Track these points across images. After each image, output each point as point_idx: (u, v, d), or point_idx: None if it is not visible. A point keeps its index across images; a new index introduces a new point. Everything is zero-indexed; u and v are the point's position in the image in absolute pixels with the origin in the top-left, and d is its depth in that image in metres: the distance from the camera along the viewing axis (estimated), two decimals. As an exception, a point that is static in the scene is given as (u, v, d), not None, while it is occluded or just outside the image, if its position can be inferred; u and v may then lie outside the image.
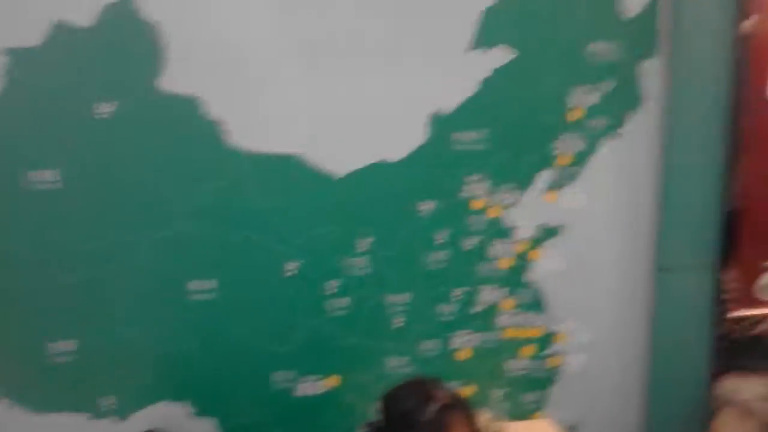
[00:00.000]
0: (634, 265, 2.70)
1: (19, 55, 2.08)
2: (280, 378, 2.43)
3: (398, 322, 2.49)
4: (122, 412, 2.32)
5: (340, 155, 2.37)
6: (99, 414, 2.31)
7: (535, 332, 2.64)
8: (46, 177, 2.14)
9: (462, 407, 1.76)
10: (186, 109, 2.21)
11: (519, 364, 2.66)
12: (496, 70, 2.45)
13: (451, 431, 1.72)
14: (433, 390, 1.76)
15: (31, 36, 2.08)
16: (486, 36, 2.42)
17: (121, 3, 2.11)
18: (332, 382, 2.47)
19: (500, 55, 2.45)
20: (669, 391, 2.74)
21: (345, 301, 2.43)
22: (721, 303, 2.75)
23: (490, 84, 2.45)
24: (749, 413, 1.75)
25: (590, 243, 2.64)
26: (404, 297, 2.49)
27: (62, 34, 2.10)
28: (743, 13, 2.58)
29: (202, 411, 2.38)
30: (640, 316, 2.74)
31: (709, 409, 1.96)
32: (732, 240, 2.69)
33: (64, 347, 2.24)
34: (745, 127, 2.66)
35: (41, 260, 2.19)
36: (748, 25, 2.55)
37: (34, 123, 2.11)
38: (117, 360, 2.28)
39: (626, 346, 2.75)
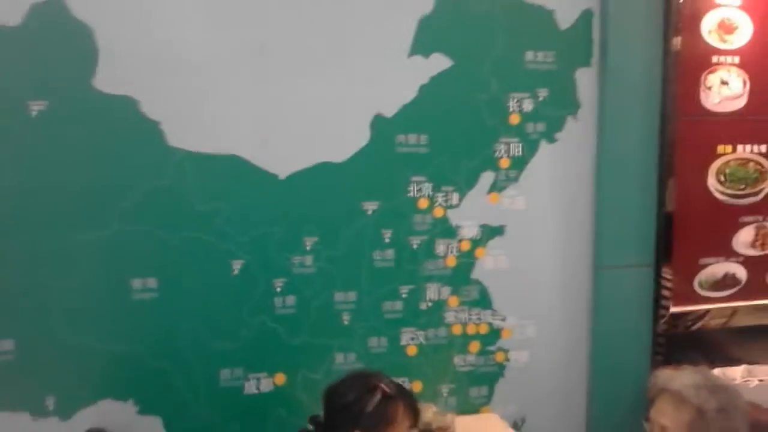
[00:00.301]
0: (574, 264, 2.26)
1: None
2: (227, 376, 1.95)
3: (346, 319, 1.99)
4: (65, 412, 1.84)
5: (284, 156, 1.94)
6: (41, 413, 1.83)
7: (481, 328, 2.15)
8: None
9: (404, 398, 1.41)
10: (122, 108, 1.75)
11: (466, 360, 2.17)
12: (433, 78, 2.03)
13: (394, 421, 1.38)
14: (374, 382, 1.41)
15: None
16: (423, 44, 2.02)
17: (51, 2, 1.63)
18: (280, 379, 1.96)
19: (437, 63, 2.03)
20: (610, 384, 2.29)
21: (291, 299, 1.97)
22: (660, 300, 2.30)
23: (428, 90, 2.04)
24: (683, 400, 1.47)
25: (532, 242, 2.20)
26: (351, 295, 2.02)
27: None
28: (673, 25, 2.21)
29: (147, 409, 1.91)
30: (582, 313, 2.29)
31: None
32: (670, 239, 2.27)
33: (2, 347, 1.74)
34: (677, 133, 2.24)
35: None
36: (676, 41, 2.19)
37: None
38: (57, 359, 1.82)
39: (569, 342, 2.29)
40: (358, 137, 1.98)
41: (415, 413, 1.42)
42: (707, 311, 2.35)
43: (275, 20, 1.89)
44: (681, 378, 1.51)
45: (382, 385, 1.39)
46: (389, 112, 2.00)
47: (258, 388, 1.97)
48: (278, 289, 1.96)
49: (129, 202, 1.80)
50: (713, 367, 2.25)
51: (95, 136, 1.76)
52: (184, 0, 1.81)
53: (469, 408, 2.19)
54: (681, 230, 2.28)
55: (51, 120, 1.72)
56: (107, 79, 1.75)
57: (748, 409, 1.51)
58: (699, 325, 2.33)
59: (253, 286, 1.94)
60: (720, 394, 1.46)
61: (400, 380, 2.02)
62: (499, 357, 2.21)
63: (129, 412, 1.87)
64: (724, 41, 2.28)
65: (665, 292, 2.29)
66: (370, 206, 2.01)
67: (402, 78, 2.00)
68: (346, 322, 2.03)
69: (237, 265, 1.91)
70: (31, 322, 1.78)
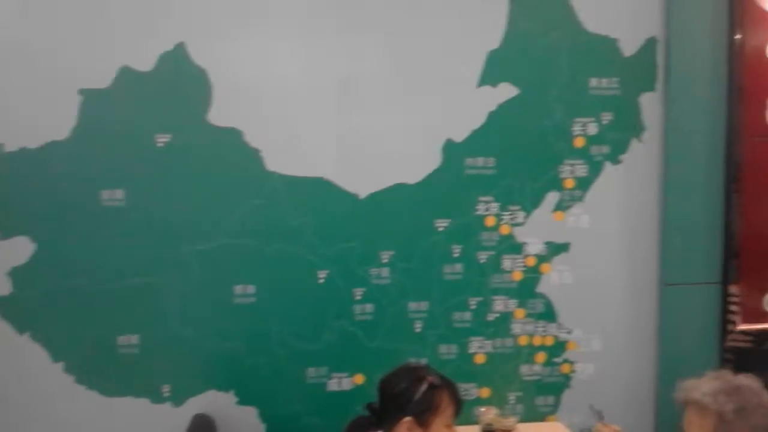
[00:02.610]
0: (640, 280, 2.55)
1: (91, 95, 2.17)
2: (313, 373, 2.39)
3: (418, 327, 2.38)
4: (177, 399, 2.32)
5: (363, 177, 2.37)
6: (158, 399, 2.32)
7: (547, 340, 2.48)
8: (116, 196, 2.16)
9: (449, 388, 1.69)
10: (230, 138, 2.24)
11: (532, 370, 2.50)
12: (501, 105, 2.41)
13: (439, 408, 1.65)
14: (422, 373, 1.69)
15: (102, 78, 2.18)
16: (491, 75, 2.40)
17: (175, 51, 2.17)
18: (359, 379, 2.39)
19: (505, 91, 2.41)
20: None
21: (369, 307, 2.38)
22: (727, 317, 2.52)
23: (495, 116, 2.41)
24: (704, 408, 1.63)
25: (596, 259, 2.52)
26: (423, 305, 2.41)
27: (126, 77, 2.20)
28: (737, 50, 2.46)
29: (245, 400, 2.36)
30: (649, 328, 2.57)
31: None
32: (738, 258, 2.50)
33: (129, 341, 2.27)
34: (743, 153, 2.46)
35: (110, 266, 2.25)
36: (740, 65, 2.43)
37: (104, 150, 2.18)
38: (172, 353, 2.31)
39: (636, 356, 2.57)
40: (431, 160, 2.38)
41: (458, 403, 1.68)
42: None
43: (357, 57, 2.33)
44: (701, 387, 1.67)
45: (429, 376, 1.66)
46: (459, 137, 2.39)
47: (340, 386, 2.39)
48: (358, 298, 2.38)
49: (233, 219, 2.28)
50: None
51: (208, 163, 2.26)
52: (280, 42, 2.29)
53: (536, 416, 2.52)
54: (749, 249, 2.51)
55: (173, 150, 2.24)
56: (218, 114, 2.25)
57: None
58: None
59: (335, 294, 2.37)
60: (737, 396, 1.61)
61: (468, 386, 2.42)
62: (565, 368, 2.53)
63: (230, 402, 2.34)
64: None
65: (733, 308, 2.53)
66: (441, 224, 2.41)
67: (471, 106, 2.39)
68: (418, 330, 2.42)
69: (322, 275, 2.35)
70: (152, 320, 2.27)
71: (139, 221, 2.24)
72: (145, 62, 2.21)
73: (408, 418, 1.62)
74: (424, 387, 1.63)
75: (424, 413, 1.62)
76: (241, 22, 2.26)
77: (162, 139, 2.22)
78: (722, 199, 2.50)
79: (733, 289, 2.52)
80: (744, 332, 2.53)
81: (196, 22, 2.22)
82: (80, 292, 2.22)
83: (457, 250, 2.42)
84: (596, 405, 2.40)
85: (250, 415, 2.35)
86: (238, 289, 2.30)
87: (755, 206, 2.51)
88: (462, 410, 1.72)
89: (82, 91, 2.18)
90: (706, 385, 1.65)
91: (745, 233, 2.50)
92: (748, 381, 1.68)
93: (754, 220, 2.51)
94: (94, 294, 2.23)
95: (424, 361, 2.39)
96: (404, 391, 1.64)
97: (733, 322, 2.52)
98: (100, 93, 2.19)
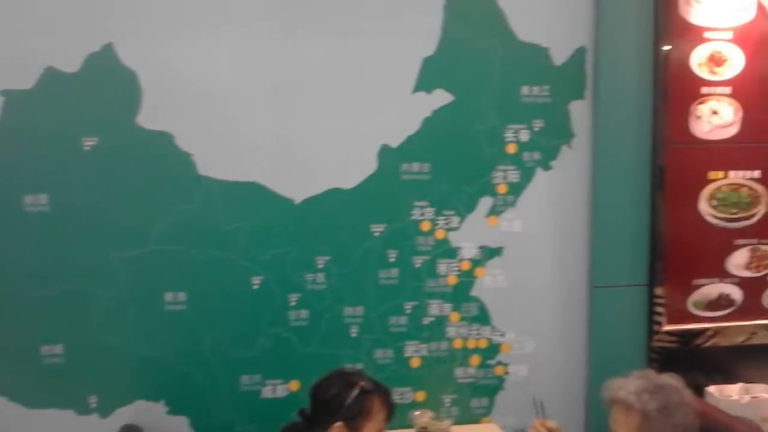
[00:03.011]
0: (570, 283, 2.64)
1: (14, 96, 2.11)
2: (247, 381, 2.38)
3: (354, 332, 2.41)
4: (104, 410, 2.28)
5: (298, 182, 2.37)
6: (84, 411, 2.27)
7: (481, 343, 2.54)
8: (40, 201, 2.11)
9: (380, 393, 1.72)
10: (160, 142, 2.22)
11: (466, 373, 2.55)
12: (435, 111, 2.45)
13: (370, 413, 1.68)
14: (354, 378, 1.73)
15: (25, 79, 2.13)
16: (426, 81, 2.44)
17: (102, 51, 2.14)
18: (293, 386, 2.40)
19: (439, 98, 2.46)
20: None
21: (305, 312, 2.39)
22: (654, 318, 2.63)
23: (430, 122, 2.45)
24: (629, 407, 1.72)
25: (529, 263, 2.59)
26: (359, 309, 2.44)
27: (51, 77, 2.15)
28: (662, 60, 2.57)
29: (176, 410, 2.34)
30: (579, 329, 2.65)
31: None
32: (664, 260, 2.61)
33: (53, 350, 2.23)
34: (667, 160, 2.60)
35: (33, 273, 2.19)
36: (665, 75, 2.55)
37: (28, 154, 2.13)
38: (99, 363, 2.26)
39: (567, 357, 2.66)
40: (366, 166, 2.41)
41: (390, 408, 1.71)
42: (705, 330, 2.66)
43: (292, 61, 2.33)
44: (626, 386, 1.77)
45: (361, 381, 1.69)
46: (395, 142, 2.42)
47: (274, 393, 2.39)
48: (293, 303, 2.39)
49: (164, 224, 2.25)
50: (710, 384, 2.62)
51: (137, 167, 2.23)
52: (212, 45, 2.27)
53: (471, 418, 2.57)
54: (673, 252, 2.62)
55: (101, 153, 2.19)
56: (148, 117, 2.22)
57: (694, 403, 1.79)
58: (696, 343, 2.65)
59: (270, 300, 2.36)
60: (660, 395, 1.72)
61: (403, 390, 2.45)
62: (499, 370, 2.59)
63: (160, 412, 2.30)
64: (715, 73, 2.62)
65: (659, 309, 2.64)
66: (377, 229, 2.44)
67: (407, 112, 2.42)
68: (353, 335, 2.44)
69: (256, 281, 2.35)
70: (77, 329, 2.22)
71: (65, 227, 2.19)
72: (70, 63, 2.16)
73: (339, 423, 1.64)
74: (355, 392, 1.66)
75: (355, 418, 1.64)
76: (172, 22, 2.23)
77: (89, 143, 2.18)
78: (648, 204, 2.60)
79: (659, 290, 2.62)
80: (669, 333, 2.63)
81: (124, 22, 2.19)
82: (1, 300, 2.16)
83: (392, 255, 2.45)
84: (528, 405, 2.46)
85: (181, 425, 2.32)
86: (169, 296, 2.28)
87: (679, 210, 2.61)
88: (394, 415, 1.75)
89: (4, 92, 2.12)
90: (631, 385, 1.74)
91: (670, 236, 2.61)
92: (671, 380, 1.77)
93: (678, 223, 2.61)
94: (16, 302, 2.18)
95: (359, 366, 2.40)
96: (336, 396, 1.67)
97: (659, 323, 2.63)
98: (23, 94, 2.13)
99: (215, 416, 2.35)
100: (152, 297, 2.27)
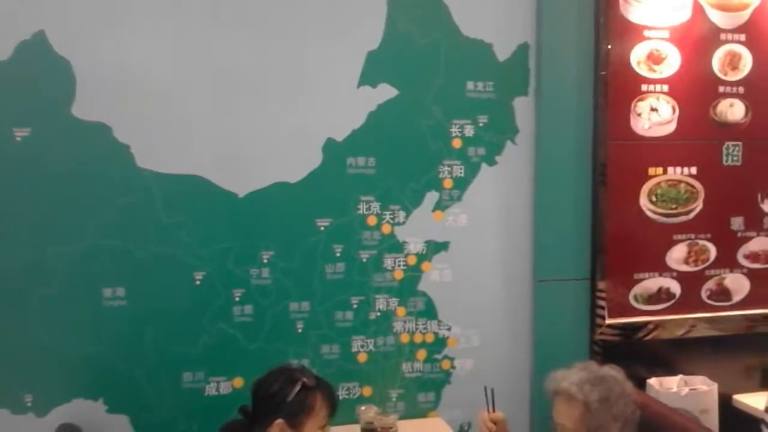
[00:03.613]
0: (515, 277, 2.65)
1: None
2: (189, 378, 2.33)
3: (299, 327, 2.39)
4: (41, 408, 2.20)
5: (242, 176, 2.33)
6: (20, 410, 2.19)
7: (427, 337, 2.55)
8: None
9: (323, 389, 1.69)
10: (96, 134, 2.17)
11: (413, 367, 2.56)
12: (380, 105, 2.44)
13: (312, 410, 1.65)
14: (296, 374, 1.69)
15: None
16: (370, 75, 2.43)
17: (33, 39, 2.08)
18: (238, 383, 2.36)
19: (384, 92, 2.45)
20: None
21: (249, 308, 2.36)
22: (596, 311, 2.66)
23: (376, 116, 2.44)
24: (572, 397, 1.74)
25: (474, 257, 2.59)
26: (305, 305, 2.41)
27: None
28: (603, 57, 2.61)
29: (115, 408, 2.27)
30: (524, 323, 2.68)
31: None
32: (606, 254, 2.65)
33: None
34: (608, 156, 2.62)
35: None
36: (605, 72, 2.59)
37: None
38: (34, 360, 2.18)
39: (512, 350, 2.67)
40: (311, 159, 2.39)
41: (332, 404, 1.67)
42: (646, 323, 2.72)
43: (234, 51, 2.29)
44: (569, 377, 1.79)
45: (303, 378, 1.66)
46: (340, 136, 2.41)
47: (218, 390, 2.34)
48: (237, 299, 2.35)
49: (101, 218, 2.19)
50: (651, 376, 2.68)
51: (72, 159, 2.16)
52: (152, 35, 2.22)
53: (418, 412, 2.57)
54: (615, 247, 2.66)
55: (33, 144, 2.12)
56: (83, 108, 2.15)
57: (635, 395, 1.82)
58: (638, 336, 2.70)
59: (213, 296, 2.32)
60: (601, 386, 1.74)
61: (350, 385, 2.45)
62: (445, 364, 2.60)
63: (99, 411, 2.24)
64: (653, 71, 2.68)
65: (601, 303, 2.69)
66: (323, 223, 2.42)
67: (351, 105, 2.41)
68: (300, 330, 2.41)
69: (199, 276, 2.30)
70: (11, 325, 2.14)
71: None
72: (1, 51, 2.08)
73: (280, 420, 1.61)
74: (297, 388, 1.63)
75: (297, 415, 1.61)
76: (108, 9, 2.17)
77: (20, 133, 2.11)
78: (590, 199, 2.64)
79: (602, 284, 2.66)
80: (611, 326, 2.68)
81: (57, 9, 2.12)
82: None
83: (338, 250, 2.44)
84: (474, 399, 2.48)
85: (121, 423, 2.26)
86: (107, 292, 2.22)
87: (620, 205, 2.65)
88: (337, 411, 1.71)
89: None
90: (573, 376, 1.76)
91: (611, 231, 2.65)
92: (612, 371, 1.80)
93: (619, 218, 2.65)
94: None
95: (305, 361, 2.39)
96: (277, 393, 1.64)
97: (602, 317, 2.67)
98: None
99: (156, 414, 2.29)
100: (90, 293, 2.21)
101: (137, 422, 2.28)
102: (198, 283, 2.29)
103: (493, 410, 2.03)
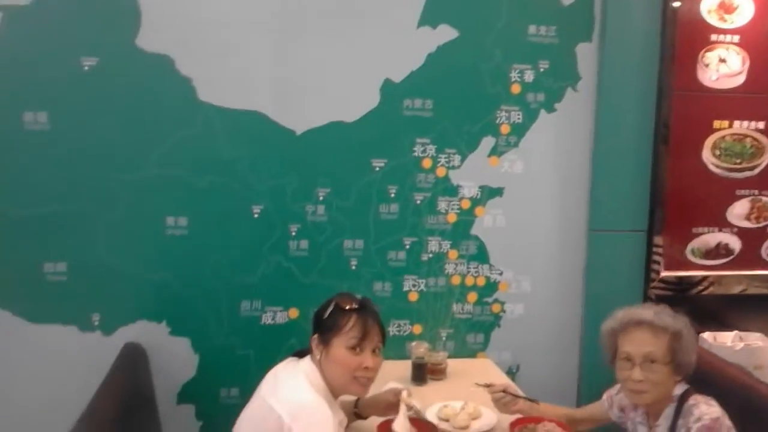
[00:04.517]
0: (569, 226, 2.27)
1: (11, 12, 1.75)
2: (247, 306, 2.07)
3: (353, 264, 2.07)
4: (107, 327, 1.99)
5: (300, 113, 2.03)
6: (87, 327, 1.98)
7: (479, 281, 2.19)
8: (39, 119, 1.73)
9: (360, 314, 1.41)
10: (160, 65, 1.89)
11: (464, 309, 2.23)
12: (440, 47, 2.08)
13: (341, 330, 1.38)
14: (339, 297, 1.45)
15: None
16: (431, 16, 2.06)
17: (102, -30, 1.77)
18: (293, 313, 2.07)
19: (444, 34, 2.08)
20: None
21: (305, 243, 2.07)
22: (651, 265, 2.25)
23: (434, 58, 2.08)
24: (659, 326, 1.45)
25: (529, 204, 2.25)
26: (359, 243, 2.10)
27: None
28: (671, 7, 2.16)
29: (177, 331, 2.04)
30: (576, 272, 2.31)
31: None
32: (664, 207, 2.22)
33: (56, 268, 1.93)
34: (673, 107, 2.20)
35: (33, 191, 1.88)
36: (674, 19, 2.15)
37: (26, 71, 1.79)
38: (101, 282, 1.97)
39: (563, 298, 2.30)
40: (368, 100, 2.07)
41: (363, 328, 1.39)
42: (702, 279, 2.29)
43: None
44: (648, 311, 1.51)
45: (338, 299, 1.44)
46: (398, 77, 2.07)
47: (274, 320, 2.07)
48: (293, 234, 2.06)
49: (163, 149, 1.94)
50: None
51: (137, 89, 1.92)
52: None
53: (466, 352, 2.25)
54: (674, 199, 2.26)
55: (100, 74, 1.88)
56: (148, 39, 1.90)
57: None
58: (693, 291, 2.28)
59: (271, 229, 2.05)
60: (683, 318, 1.50)
61: (401, 322, 2.06)
62: (496, 308, 2.26)
63: (162, 333, 2.02)
64: (724, 20, 2.23)
65: (656, 257, 2.20)
66: (378, 163, 2.06)
67: (411, 46, 2.07)
68: (353, 267, 2.12)
69: (257, 210, 2.01)
70: (81, 248, 1.94)
71: (65, 146, 1.90)
72: (69, -20, 1.82)
73: (315, 336, 1.43)
74: (330, 308, 1.43)
75: (327, 332, 1.40)
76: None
77: (88, 63, 1.83)
78: (650, 150, 2.25)
79: (658, 237, 2.25)
80: (666, 280, 2.27)
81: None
82: (3, 217, 1.88)
83: (393, 190, 2.09)
84: (523, 343, 2.10)
85: (183, 346, 2.04)
86: (170, 220, 1.97)
87: (682, 158, 2.24)
88: (373, 338, 1.41)
89: (1, 8, 1.81)
90: (651, 309, 1.51)
91: (671, 183, 2.24)
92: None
93: (680, 171, 2.25)
94: (18, 219, 1.89)
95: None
96: (318, 312, 1.46)
97: (656, 270, 2.27)
98: (20, 10, 1.82)
99: (216, 339, 2.07)
100: (154, 221, 1.97)
101: (198, 345, 2.06)
102: (256, 216, 2.01)
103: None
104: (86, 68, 1.83)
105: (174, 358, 1.99)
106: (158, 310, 1.98)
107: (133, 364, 1.84)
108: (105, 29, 1.84)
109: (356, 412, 1.59)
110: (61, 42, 1.82)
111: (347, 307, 1.40)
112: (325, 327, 1.40)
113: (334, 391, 1.40)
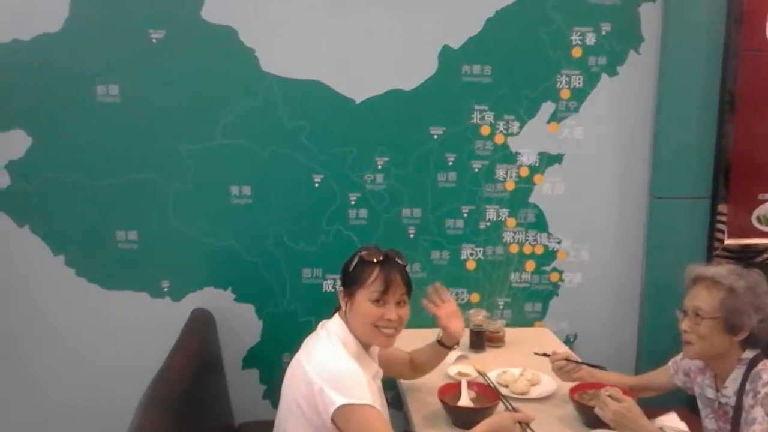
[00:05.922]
0: (630, 193, 2.24)
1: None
2: (308, 274, 2.11)
3: (411, 232, 2.09)
4: (176, 294, 2.07)
5: (359, 82, 2.04)
6: (157, 294, 2.06)
7: (537, 249, 2.17)
8: (111, 91, 1.82)
9: (384, 268, 1.41)
10: (224, 37, 1.92)
11: (521, 278, 2.21)
12: (498, 12, 2.05)
13: (364, 283, 1.40)
14: (364, 250, 1.46)
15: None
16: None
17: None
18: (353, 281, 2.04)
19: None
20: (662, 309, 2.19)
21: (364, 212, 2.09)
22: (714, 233, 2.20)
23: (493, 23, 2.05)
24: (716, 283, 1.49)
25: (589, 171, 2.21)
26: (417, 211, 2.10)
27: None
28: None
29: (242, 298, 2.10)
30: (636, 240, 2.27)
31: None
32: (728, 174, 2.16)
33: (127, 236, 2.01)
34: (740, 69, 2.12)
35: (106, 162, 1.96)
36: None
37: (98, 44, 1.85)
38: (171, 250, 2.04)
39: (623, 267, 2.27)
40: (427, 67, 2.05)
41: (386, 281, 1.39)
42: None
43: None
44: (715, 268, 1.53)
45: (363, 252, 1.44)
46: (456, 43, 2.04)
47: (334, 288, 2.10)
48: (353, 202, 2.08)
49: (228, 119, 1.98)
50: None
51: (203, 61, 1.95)
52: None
53: (524, 321, 2.25)
54: (740, 165, 2.18)
55: (167, 46, 1.92)
56: (212, 11, 1.92)
57: None
58: (759, 259, 2.22)
59: (331, 198, 2.08)
60: (749, 277, 1.49)
61: (459, 290, 2.11)
62: (554, 277, 2.24)
63: (228, 299, 2.09)
64: None
65: (720, 225, 2.18)
66: (436, 131, 2.07)
67: (469, 11, 2.04)
68: (411, 236, 2.14)
69: (317, 179, 2.05)
70: (150, 217, 2.01)
71: (135, 118, 1.95)
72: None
73: (341, 288, 1.46)
74: (355, 261, 1.44)
75: (351, 285, 1.42)
76: None
77: (155, 35, 1.88)
78: (716, 114, 2.16)
79: (722, 205, 2.19)
80: (729, 248, 2.22)
81: None
82: (77, 187, 1.96)
83: (451, 159, 2.10)
84: (581, 313, 2.12)
85: (247, 311, 2.10)
86: (234, 189, 2.01)
87: (749, 122, 2.16)
88: (396, 291, 1.40)
89: None
90: (720, 267, 1.53)
91: (737, 149, 2.17)
92: (756, 273, 1.53)
93: (747, 135, 2.17)
94: (91, 189, 1.97)
95: (416, 266, 2.09)
96: (344, 265, 1.47)
97: (720, 239, 2.21)
98: None
99: (279, 306, 2.12)
100: (219, 190, 2.02)
101: (261, 311, 2.11)
102: (317, 185, 2.03)
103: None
104: (154, 41, 1.88)
105: (239, 323, 2.06)
106: (224, 277, 2.04)
107: (202, 329, 1.90)
108: (171, 2, 1.87)
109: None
110: (129, 15, 1.86)
111: (371, 260, 1.40)
112: (350, 279, 1.41)
113: (363, 344, 1.41)
